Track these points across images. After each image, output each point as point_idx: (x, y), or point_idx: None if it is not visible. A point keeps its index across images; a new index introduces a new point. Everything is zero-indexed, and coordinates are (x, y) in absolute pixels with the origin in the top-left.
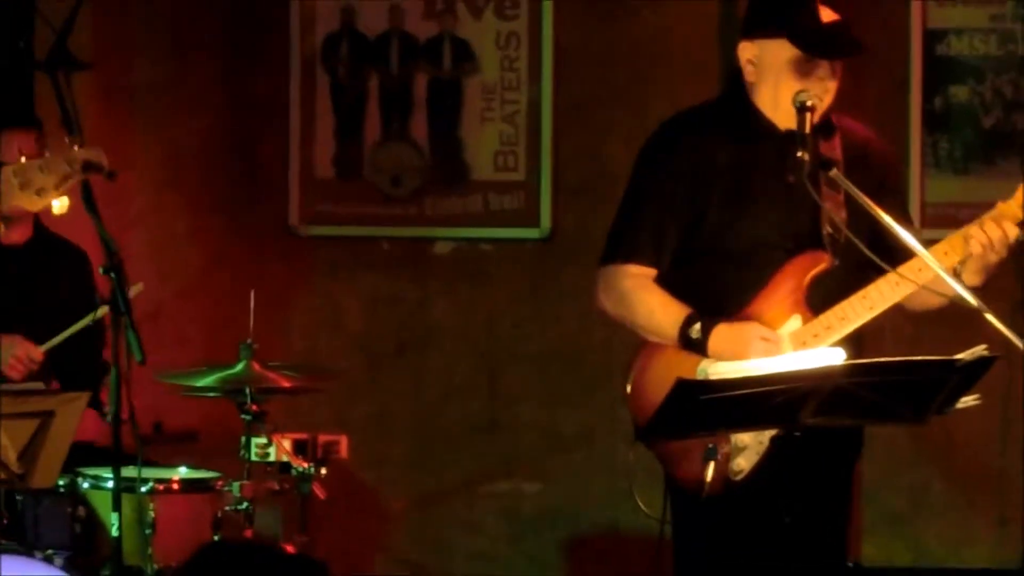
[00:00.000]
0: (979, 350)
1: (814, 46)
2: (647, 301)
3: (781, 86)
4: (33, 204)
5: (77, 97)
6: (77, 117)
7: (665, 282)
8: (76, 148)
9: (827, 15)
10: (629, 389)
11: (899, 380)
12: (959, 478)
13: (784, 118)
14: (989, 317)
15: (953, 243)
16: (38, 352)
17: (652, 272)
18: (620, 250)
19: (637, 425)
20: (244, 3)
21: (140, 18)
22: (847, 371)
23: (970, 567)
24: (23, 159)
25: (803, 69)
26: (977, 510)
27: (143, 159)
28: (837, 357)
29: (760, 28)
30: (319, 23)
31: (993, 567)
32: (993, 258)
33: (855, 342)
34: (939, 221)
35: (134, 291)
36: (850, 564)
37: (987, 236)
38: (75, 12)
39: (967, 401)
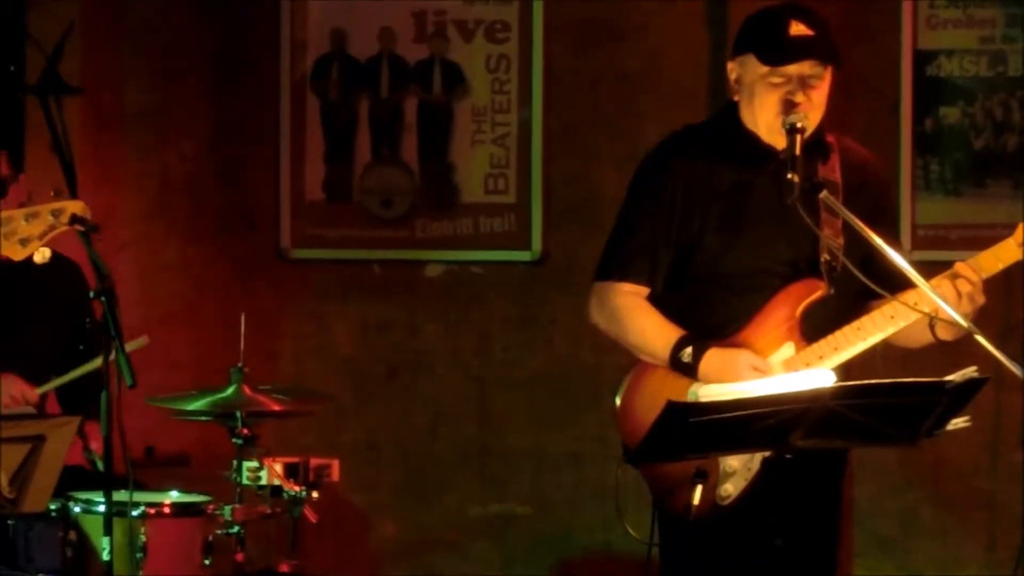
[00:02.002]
0: (969, 372)
1: (769, 55)
2: (639, 320)
3: (755, 101)
4: (16, 253)
5: (67, 123)
6: (67, 141)
7: (659, 305)
8: (63, 200)
9: (797, 29)
10: (618, 404)
11: (889, 402)
12: (949, 502)
13: (765, 133)
14: (980, 339)
15: (940, 282)
16: (34, 394)
17: (646, 291)
18: (615, 268)
19: (626, 445)
20: (234, 29)
21: (130, 44)
22: (837, 393)
23: None
24: (9, 210)
25: (771, 82)
26: (967, 533)
27: (133, 184)
28: (827, 379)
29: (739, 46)
30: (309, 47)
31: None
32: (967, 307)
33: (843, 365)
34: (930, 243)
35: (135, 345)
36: None
37: (956, 290)
38: (65, 38)
39: (957, 423)
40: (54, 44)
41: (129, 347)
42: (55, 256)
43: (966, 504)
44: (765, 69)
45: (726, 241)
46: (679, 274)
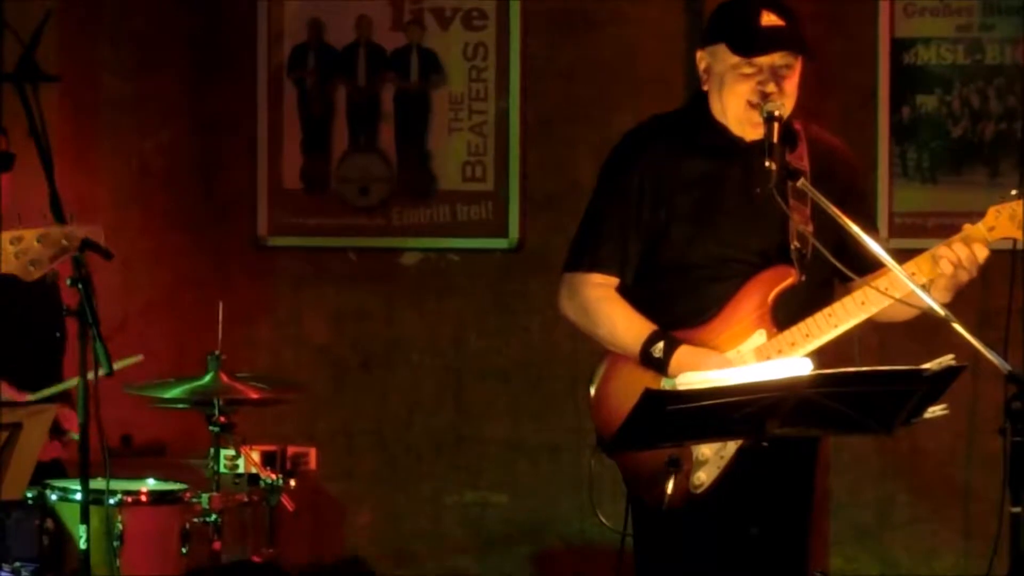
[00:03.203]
0: (946, 360)
1: (741, 45)
2: (610, 313)
3: (724, 90)
4: (26, 274)
5: (44, 112)
6: (44, 130)
7: (630, 295)
8: (76, 225)
9: (769, 20)
10: (593, 393)
11: (866, 390)
12: (925, 490)
13: (734, 124)
14: (957, 327)
15: (920, 263)
16: (24, 400)
17: (615, 281)
18: (584, 259)
19: (600, 434)
20: (211, 17)
21: (107, 33)
22: (814, 381)
23: None
24: (22, 230)
25: (742, 73)
26: (943, 522)
27: (110, 172)
28: (804, 367)
29: (709, 36)
30: (286, 35)
31: None
32: (964, 276)
33: (819, 352)
34: (907, 231)
35: (125, 363)
36: (817, 574)
37: (956, 255)
38: (43, 25)
39: (934, 411)
40: (31, 32)
41: (120, 364)
42: None
43: (943, 493)
44: (736, 59)
45: (695, 230)
46: (649, 264)
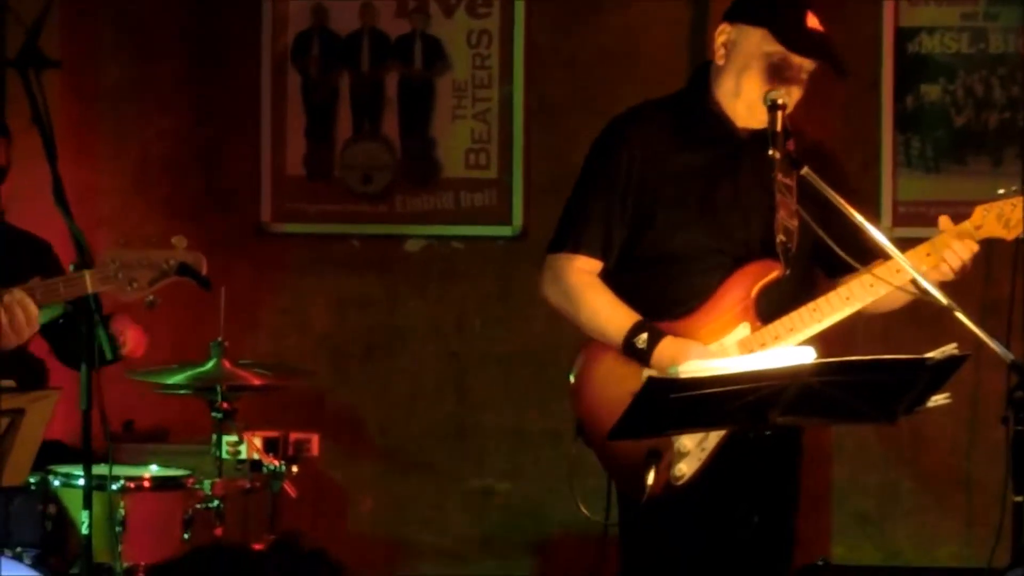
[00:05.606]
0: (949, 349)
1: (792, 41)
2: (593, 301)
3: (745, 75)
4: (125, 294)
5: (47, 99)
6: (48, 116)
7: (612, 283)
8: (178, 250)
9: (813, 23)
10: (573, 383)
11: (869, 379)
12: (928, 479)
13: (743, 109)
14: (960, 316)
15: (916, 257)
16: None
17: (599, 265)
18: (568, 241)
19: (580, 424)
20: (214, 4)
21: (109, 20)
22: (817, 370)
23: (939, 566)
24: (124, 249)
25: (772, 66)
26: (946, 511)
27: (113, 159)
28: (807, 356)
29: (746, 14)
30: (290, 22)
31: (962, 566)
32: (952, 276)
33: (820, 341)
34: (911, 220)
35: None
36: (820, 562)
37: (960, 258)
38: (46, 11)
39: (937, 400)
40: (34, 19)
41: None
42: (26, 234)
43: (945, 482)
44: (774, 49)
45: (681, 220)
46: (634, 252)
